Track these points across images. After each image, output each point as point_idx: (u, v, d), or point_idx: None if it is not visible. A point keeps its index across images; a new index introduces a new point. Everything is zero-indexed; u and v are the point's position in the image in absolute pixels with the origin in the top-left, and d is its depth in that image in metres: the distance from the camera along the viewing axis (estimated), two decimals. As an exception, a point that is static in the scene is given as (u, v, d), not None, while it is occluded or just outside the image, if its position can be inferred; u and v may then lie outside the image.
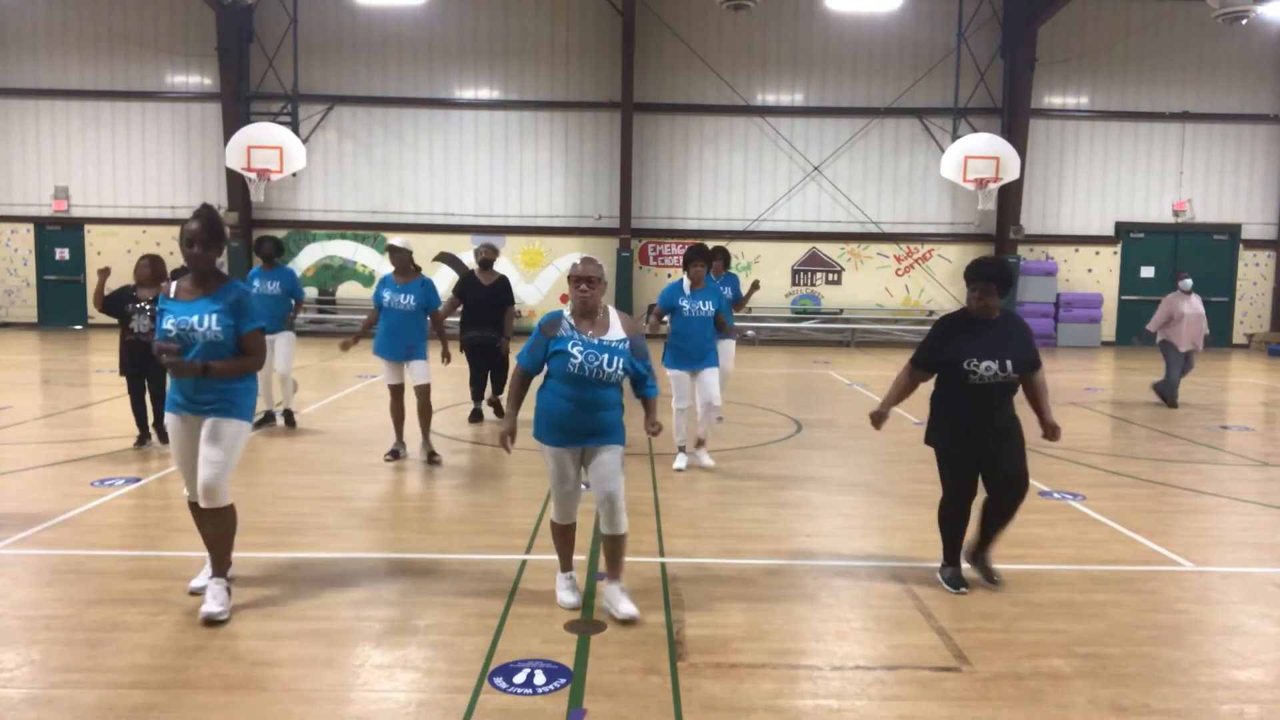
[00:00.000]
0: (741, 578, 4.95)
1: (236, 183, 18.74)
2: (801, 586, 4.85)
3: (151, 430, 7.91)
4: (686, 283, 7.44)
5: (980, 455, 4.66)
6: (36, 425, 9.03)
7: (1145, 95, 20.21)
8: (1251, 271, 20.85)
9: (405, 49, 19.92)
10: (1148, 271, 20.63)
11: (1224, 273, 20.74)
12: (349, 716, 3.41)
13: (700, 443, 7.55)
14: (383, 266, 20.21)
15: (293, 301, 8.84)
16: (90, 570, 4.89)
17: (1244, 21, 15.48)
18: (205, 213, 4.25)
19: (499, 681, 3.67)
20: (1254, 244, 20.74)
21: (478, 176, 20.23)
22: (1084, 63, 20.04)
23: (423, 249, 19.04)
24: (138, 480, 6.78)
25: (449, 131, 20.14)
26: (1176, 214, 20.55)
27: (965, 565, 4.93)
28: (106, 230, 20.11)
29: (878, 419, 4.83)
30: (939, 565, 4.93)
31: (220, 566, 4.32)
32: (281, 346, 8.63)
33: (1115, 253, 20.69)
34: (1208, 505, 6.74)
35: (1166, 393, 11.65)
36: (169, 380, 4.35)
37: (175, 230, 20.68)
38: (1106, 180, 20.51)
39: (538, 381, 4.48)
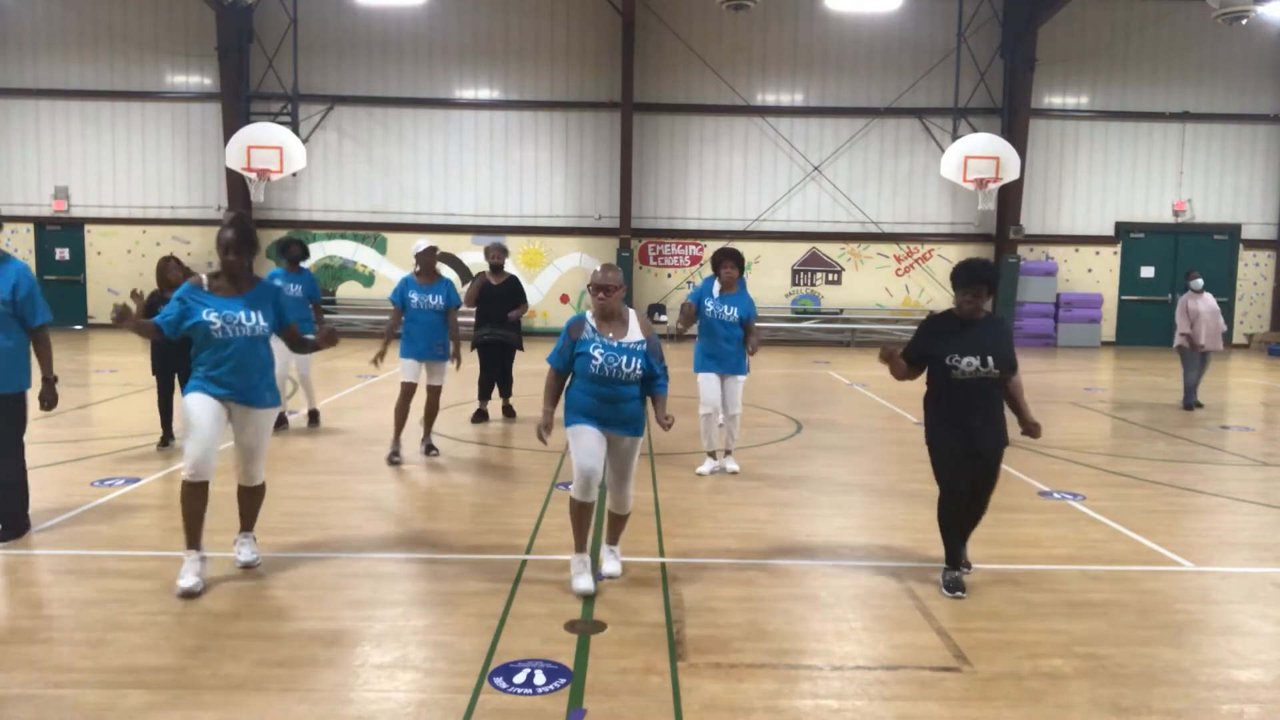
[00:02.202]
0: (741, 578, 4.95)
1: (236, 183, 18.73)
2: (801, 586, 4.85)
3: (176, 432, 7.90)
4: (717, 285, 7.26)
5: (966, 448, 4.74)
6: (36, 425, 9.01)
7: (1145, 95, 20.21)
8: (1251, 271, 20.85)
9: (405, 49, 19.92)
10: (1148, 271, 20.64)
11: (1224, 273, 20.72)
12: (349, 716, 3.41)
13: (727, 452, 7.43)
14: (382, 266, 20.24)
15: (310, 305, 9.01)
16: (90, 570, 4.89)
17: (1244, 21, 15.46)
18: (239, 222, 4.63)
19: (499, 681, 3.67)
20: (1254, 244, 20.74)
21: (478, 176, 20.23)
22: (1084, 63, 20.04)
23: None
24: (138, 480, 6.78)
25: (449, 131, 20.14)
26: (1176, 214, 20.56)
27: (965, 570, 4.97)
28: (106, 230, 20.12)
29: (888, 355, 4.86)
30: (942, 568, 4.92)
31: (250, 523, 5.01)
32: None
33: (1115, 253, 20.70)
34: (1208, 505, 6.74)
35: (1185, 395, 11.50)
36: (199, 369, 4.65)
37: (175, 230, 20.80)
38: (1106, 180, 20.51)
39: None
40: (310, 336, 5.04)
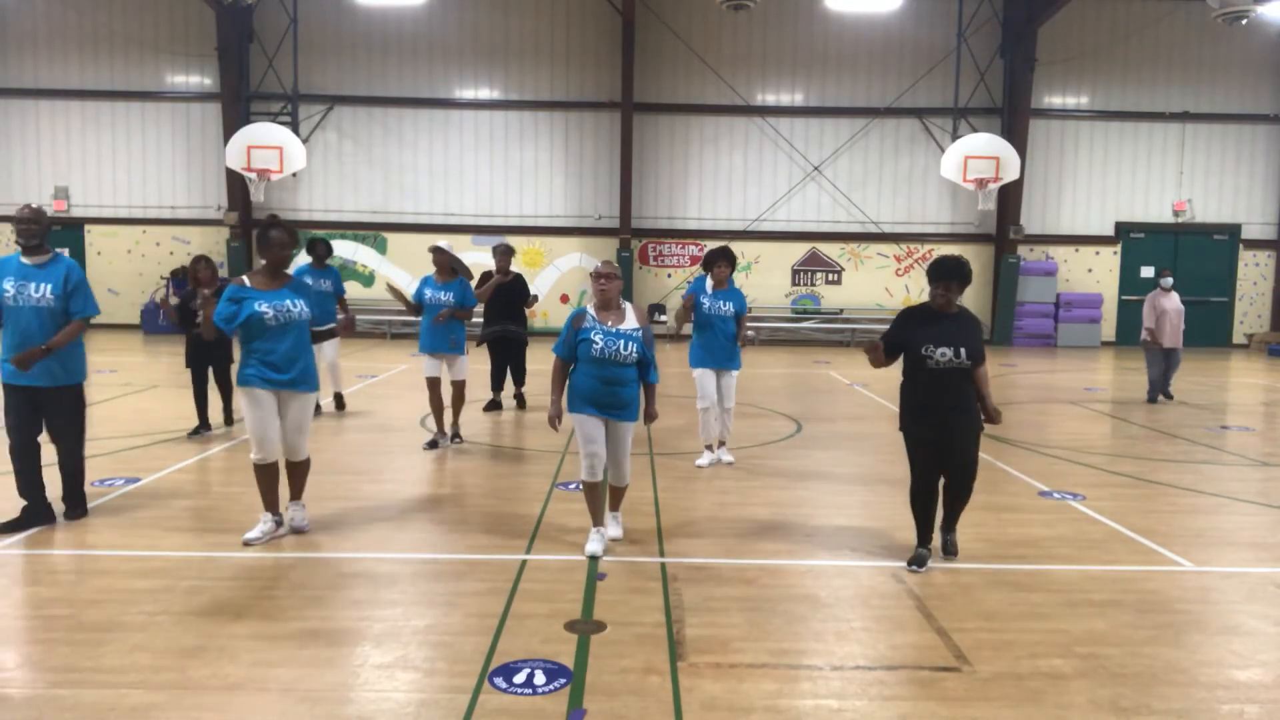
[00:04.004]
0: (741, 578, 4.95)
1: (236, 183, 18.73)
2: (801, 586, 4.85)
3: (209, 420, 8.61)
4: (709, 282, 7.59)
5: (937, 434, 5.05)
6: (36, 425, 9.01)
7: (1145, 95, 20.21)
8: (1251, 271, 20.85)
9: (405, 49, 19.92)
10: (1148, 271, 20.60)
11: (1224, 273, 20.75)
12: (349, 716, 3.41)
13: (721, 442, 7.83)
14: (383, 266, 20.25)
15: (336, 298, 9.79)
16: (90, 570, 4.89)
17: (1244, 21, 15.47)
18: (283, 223, 5.41)
19: (499, 681, 3.67)
20: (1254, 244, 20.74)
21: (478, 176, 20.23)
22: (1084, 63, 20.04)
23: (423, 250, 19.03)
24: (138, 480, 6.78)
25: (449, 131, 20.14)
26: (1176, 214, 20.56)
27: (935, 545, 5.37)
28: (106, 230, 20.12)
29: (872, 346, 5.31)
30: (915, 547, 5.27)
31: (298, 492, 5.62)
32: (331, 340, 9.47)
33: (1115, 253, 20.70)
34: (1208, 505, 6.74)
35: (1149, 389, 11.95)
36: (252, 359, 5.25)
37: (175, 230, 20.82)
38: (1106, 180, 20.51)
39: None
40: (332, 325, 5.78)
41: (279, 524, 5.51)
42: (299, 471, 5.61)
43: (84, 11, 19.66)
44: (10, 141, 20.00)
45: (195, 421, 8.56)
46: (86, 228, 20.11)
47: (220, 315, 5.21)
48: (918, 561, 5.14)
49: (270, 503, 5.47)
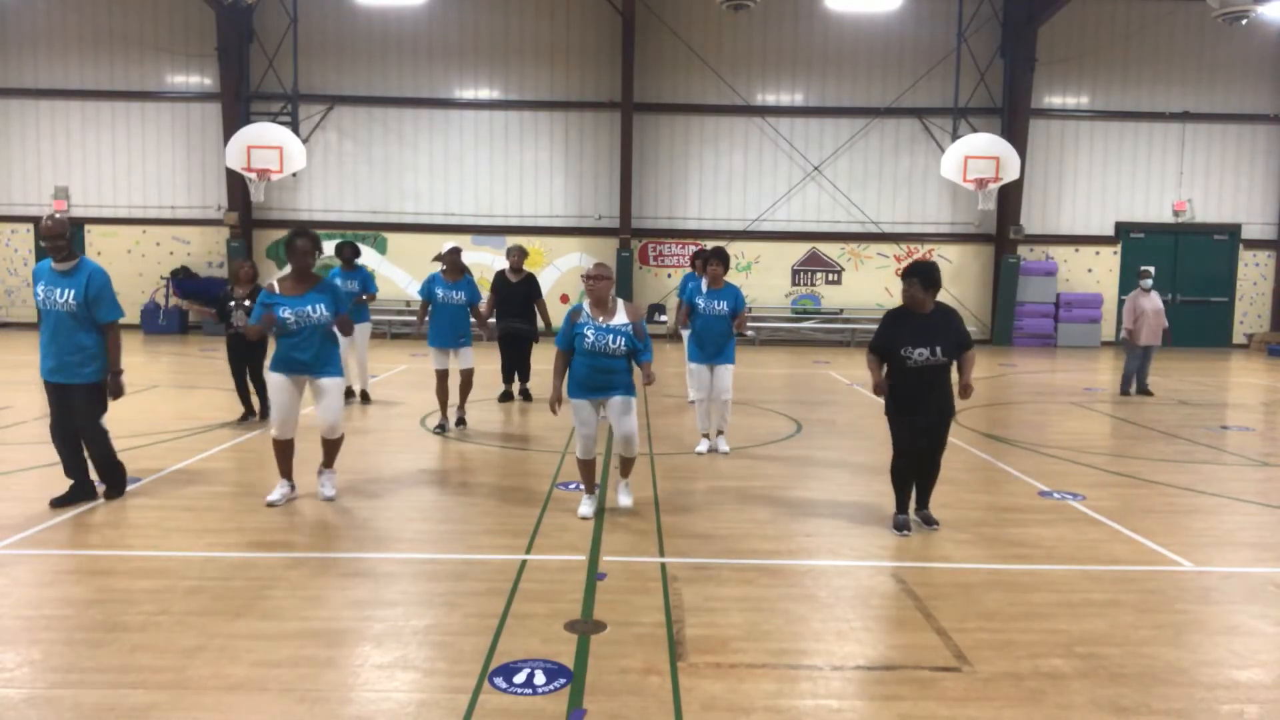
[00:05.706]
0: (741, 578, 4.95)
1: (236, 183, 18.73)
2: (801, 586, 4.85)
3: (255, 408, 9.26)
4: (704, 282, 7.94)
5: (917, 420, 5.63)
6: (36, 425, 9.03)
7: (1145, 95, 20.21)
8: (1251, 271, 20.85)
9: (405, 49, 19.92)
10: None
11: (1224, 273, 20.74)
12: (349, 716, 3.41)
13: (719, 431, 8.21)
14: (382, 266, 20.24)
15: (365, 295, 10.24)
16: (90, 570, 4.89)
17: (1244, 21, 15.47)
18: (307, 232, 6.16)
19: (499, 681, 3.67)
20: (1254, 244, 20.74)
21: (478, 176, 20.23)
22: (1084, 63, 20.04)
23: (423, 250, 19.08)
24: (138, 480, 6.78)
25: (449, 131, 20.14)
26: (1176, 214, 20.56)
27: (914, 519, 5.95)
28: (107, 230, 20.12)
29: (879, 388, 5.80)
30: (894, 514, 5.88)
31: (330, 462, 6.34)
32: (359, 335, 10.02)
33: (1115, 253, 20.70)
34: (1208, 505, 6.74)
35: (1123, 382, 12.41)
36: (277, 348, 6.03)
37: (175, 230, 20.82)
38: (1106, 180, 20.51)
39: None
40: (343, 314, 6.19)
41: (293, 488, 6.28)
42: (331, 446, 6.29)
43: (84, 11, 19.65)
44: (10, 141, 20.00)
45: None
46: (86, 228, 20.09)
47: (256, 317, 6.03)
48: (900, 526, 5.78)
49: (285, 471, 6.25)
